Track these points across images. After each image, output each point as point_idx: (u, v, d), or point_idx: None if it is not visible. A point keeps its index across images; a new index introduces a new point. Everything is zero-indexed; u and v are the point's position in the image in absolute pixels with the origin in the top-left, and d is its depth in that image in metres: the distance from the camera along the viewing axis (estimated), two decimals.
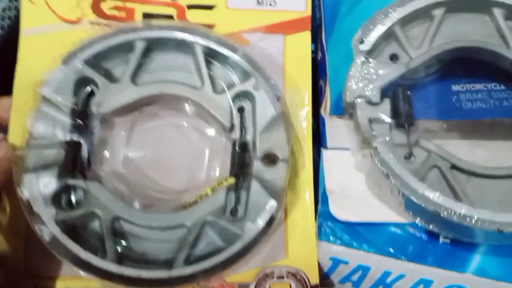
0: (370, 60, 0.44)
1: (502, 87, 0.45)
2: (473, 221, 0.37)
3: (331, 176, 0.45)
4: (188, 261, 0.39)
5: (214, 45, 0.43)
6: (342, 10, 0.50)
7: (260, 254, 0.42)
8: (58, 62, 0.41)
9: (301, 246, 0.43)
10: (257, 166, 0.41)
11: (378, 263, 0.42)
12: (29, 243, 0.40)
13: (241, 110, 0.43)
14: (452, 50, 0.44)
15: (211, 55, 0.43)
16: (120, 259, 0.39)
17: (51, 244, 0.38)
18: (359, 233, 0.43)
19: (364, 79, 0.43)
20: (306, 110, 0.45)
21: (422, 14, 0.45)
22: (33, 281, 0.40)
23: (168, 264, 0.39)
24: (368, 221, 0.43)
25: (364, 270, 0.42)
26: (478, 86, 0.46)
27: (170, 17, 0.46)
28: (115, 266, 0.37)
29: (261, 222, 0.40)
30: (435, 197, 0.38)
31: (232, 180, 0.41)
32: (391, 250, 0.42)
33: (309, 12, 0.48)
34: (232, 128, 0.42)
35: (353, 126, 0.43)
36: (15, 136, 0.41)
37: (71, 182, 0.40)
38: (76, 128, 0.41)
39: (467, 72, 0.46)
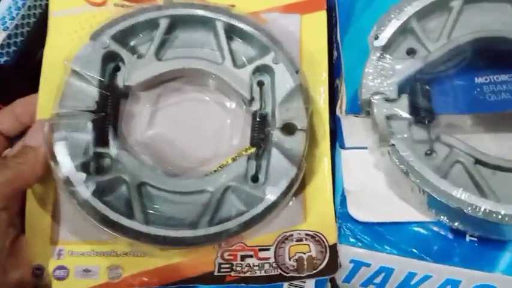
0: (386, 55, 0.43)
1: None
2: (500, 217, 0.36)
3: (350, 176, 0.44)
4: (212, 223, 0.40)
5: (234, 22, 0.44)
6: (357, 8, 0.49)
7: (280, 219, 0.43)
8: (86, 40, 0.43)
9: (319, 210, 0.44)
10: (277, 135, 0.42)
11: (401, 265, 0.41)
12: (55, 209, 0.42)
13: (261, 84, 0.45)
14: (472, 42, 0.42)
15: (231, 31, 0.45)
16: (147, 221, 0.40)
17: (81, 205, 0.39)
18: (380, 234, 0.42)
19: (381, 75, 0.42)
20: (323, 86, 0.47)
21: (439, 6, 0.43)
22: (59, 246, 0.42)
23: (193, 225, 0.40)
24: (389, 221, 0.42)
25: (388, 272, 0.41)
26: (503, 77, 0.44)
27: None
28: (143, 226, 0.39)
29: (281, 186, 0.41)
30: (458, 193, 0.37)
31: (252, 149, 0.43)
32: (415, 251, 0.41)
33: None
34: (252, 100, 0.44)
35: (370, 124, 0.42)
36: (45, 111, 0.42)
37: (99, 150, 0.42)
38: (104, 100, 0.42)
39: (490, 63, 0.44)
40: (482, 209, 0.36)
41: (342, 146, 0.45)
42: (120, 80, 0.43)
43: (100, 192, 0.40)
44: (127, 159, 0.42)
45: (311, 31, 0.48)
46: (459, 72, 0.44)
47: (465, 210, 0.36)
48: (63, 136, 0.40)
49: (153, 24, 0.44)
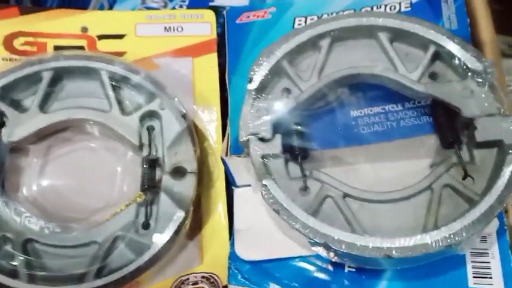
0: (263, 96, 0.44)
1: (400, 107, 0.46)
2: (360, 249, 0.37)
3: (239, 214, 0.45)
4: (100, 275, 0.41)
5: (118, 70, 0.46)
6: (246, 48, 0.52)
7: (176, 264, 0.44)
8: None
9: (216, 251, 0.45)
10: (166, 180, 0.44)
11: None
12: None
13: (151, 129, 0.46)
14: (341, 79, 0.44)
15: (117, 79, 0.47)
16: (33, 278, 0.40)
17: None
18: (266, 271, 0.42)
19: (256, 116, 0.43)
20: (216, 125, 0.49)
21: (308, 47, 0.45)
22: None
23: (81, 279, 0.40)
24: (273, 257, 0.43)
25: None
26: (376, 109, 0.46)
27: (81, 47, 0.50)
28: (26, 285, 0.39)
29: (168, 232, 0.42)
30: (323, 228, 0.38)
31: (142, 196, 0.44)
32: (297, 285, 0.41)
33: (214, 35, 0.53)
34: (141, 146, 0.45)
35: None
36: None
37: None
38: None
39: (365, 96, 0.46)
40: (345, 242, 0.37)
41: (234, 185, 0.46)
42: (5, 136, 0.44)
43: None
44: (11, 216, 0.42)
45: (203, 72, 0.51)
46: (337, 107, 0.46)
47: (331, 245, 0.38)
48: None
49: (36, 77, 0.46)
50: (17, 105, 0.45)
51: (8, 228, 0.42)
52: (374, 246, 0.37)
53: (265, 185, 0.40)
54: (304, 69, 0.46)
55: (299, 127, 0.43)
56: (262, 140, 0.43)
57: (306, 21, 0.52)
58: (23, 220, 0.42)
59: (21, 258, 0.41)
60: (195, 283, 0.44)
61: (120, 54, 0.50)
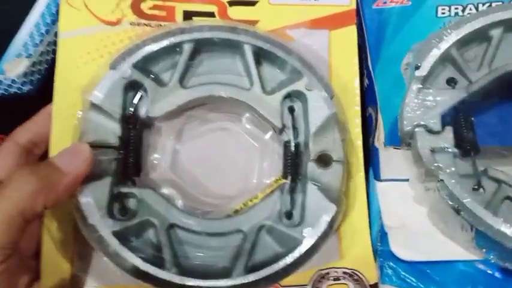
0: (427, 86, 0.41)
1: None
2: None
3: (389, 210, 0.42)
4: (247, 269, 0.37)
5: (264, 45, 0.41)
6: (387, 34, 0.48)
7: (314, 256, 0.40)
8: (102, 65, 0.40)
9: (356, 246, 0.41)
10: (311, 168, 0.40)
11: None
12: (75, 252, 0.39)
13: (291, 110, 0.42)
14: None
15: (260, 55, 0.42)
16: (179, 270, 0.37)
17: (108, 255, 0.36)
18: (425, 274, 0.39)
19: (422, 106, 0.40)
20: (356, 113, 0.44)
21: (479, 35, 0.42)
22: None
23: (226, 272, 0.37)
24: (434, 260, 0.39)
25: None
26: None
27: (211, 14, 0.45)
28: (177, 277, 0.36)
29: (321, 227, 0.38)
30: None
31: (285, 183, 0.40)
32: None
33: (353, 6, 0.46)
34: (283, 129, 0.41)
35: (412, 157, 0.41)
36: (58, 142, 0.39)
37: (123, 190, 0.38)
38: (126, 134, 0.39)
39: None
40: None
41: (377, 178, 0.43)
42: (143, 111, 0.40)
43: (126, 238, 0.37)
44: (153, 199, 0.39)
45: (341, 48, 0.45)
46: (499, 102, 0.43)
47: None
48: (85, 178, 0.36)
49: (176, 49, 0.41)
50: (156, 79, 0.41)
51: (150, 211, 0.38)
52: None
53: (442, 181, 0.37)
54: (472, 58, 0.42)
55: (470, 120, 0.40)
56: (430, 132, 0.39)
57: (449, 10, 0.49)
58: (164, 203, 0.39)
59: (167, 245, 0.37)
60: (337, 279, 0.41)
61: (252, 23, 0.45)
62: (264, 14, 0.45)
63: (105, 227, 0.36)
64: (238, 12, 0.45)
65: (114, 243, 0.36)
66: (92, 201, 0.36)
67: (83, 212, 0.36)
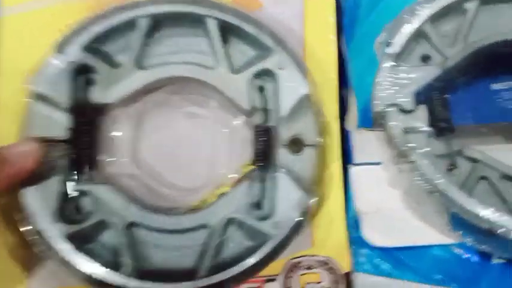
0: (400, 63, 0.39)
1: None
2: None
3: (362, 195, 0.40)
4: (214, 268, 0.35)
5: (230, 18, 0.38)
6: (361, 12, 0.46)
7: (286, 248, 0.38)
8: (48, 47, 0.36)
9: (331, 234, 0.39)
10: (283, 154, 0.37)
11: None
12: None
13: (261, 90, 0.39)
14: (492, 45, 0.39)
15: (226, 30, 0.38)
16: (139, 273, 0.35)
17: (60, 262, 0.34)
18: (400, 260, 0.38)
19: (395, 85, 0.38)
20: (332, 89, 0.40)
21: (453, 9, 0.40)
22: None
23: (191, 273, 0.35)
24: (409, 245, 0.38)
25: None
26: None
27: None
28: (136, 281, 0.34)
29: (294, 218, 0.36)
30: (489, 213, 0.33)
31: (254, 170, 0.37)
32: (439, 277, 0.37)
33: None
34: (252, 111, 0.38)
35: (385, 138, 0.39)
36: (4, 136, 0.36)
37: (76, 188, 0.36)
38: (77, 126, 0.36)
39: (508, 68, 0.41)
40: None
41: (350, 162, 0.41)
42: (96, 97, 0.37)
43: (80, 243, 0.34)
44: (110, 196, 0.36)
45: (316, 17, 0.41)
46: (474, 79, 0.41)
47: (498, 233, 0.33)
48: (32, 177, 0.33)
49: (131, 26, 0.37)
50: (109, 60, 0.37)
51: (107, 210, 0.35)
52: None
53: (415, 161, 0.35)
54: (446, 34, 0.40)
55: (444, 98, 0.38)
56: (403, 111, 0.37)
57: None
58: (123, 200, 0.36)
59: (126, 247, 0.35)
60: (309, 267, 0.39)
61: None
62: None
63: (55, 232, 0.33)
64: None
65: (66, 250, 0.33)
66: (39, 204, 0.34)
67: (31, 217, 0.34)
